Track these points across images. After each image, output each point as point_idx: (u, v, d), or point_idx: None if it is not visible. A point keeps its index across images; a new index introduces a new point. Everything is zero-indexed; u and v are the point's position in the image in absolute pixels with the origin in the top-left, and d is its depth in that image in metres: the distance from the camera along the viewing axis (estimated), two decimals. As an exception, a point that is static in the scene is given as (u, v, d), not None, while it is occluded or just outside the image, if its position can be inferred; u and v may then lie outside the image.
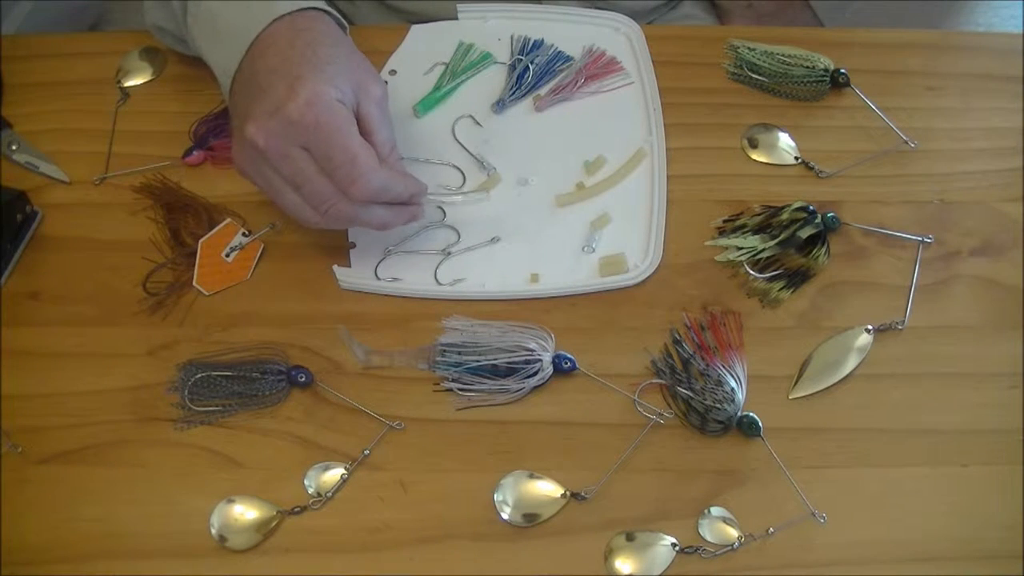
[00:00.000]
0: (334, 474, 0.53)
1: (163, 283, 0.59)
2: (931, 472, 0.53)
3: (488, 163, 0.63)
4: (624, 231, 0.61)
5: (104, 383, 0.56)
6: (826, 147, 0.65)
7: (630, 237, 0.61)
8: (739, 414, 0.54)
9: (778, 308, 0.59)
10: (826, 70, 0.66)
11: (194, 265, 0.59)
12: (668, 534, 0.51)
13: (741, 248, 0.60)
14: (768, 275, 0.59)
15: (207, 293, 0.59)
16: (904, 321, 0.58)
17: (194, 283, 0.59)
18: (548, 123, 0.65)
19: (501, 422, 0.55)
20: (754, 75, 0.67)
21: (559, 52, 0.68)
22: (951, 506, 0.52)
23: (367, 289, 0.59)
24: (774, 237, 0.60)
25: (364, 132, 0.53)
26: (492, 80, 0.67)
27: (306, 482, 0.53)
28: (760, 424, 0.53)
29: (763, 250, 0.59)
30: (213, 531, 0.51)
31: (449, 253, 0.60)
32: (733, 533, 0.51)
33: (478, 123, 0.65)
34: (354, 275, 0.59)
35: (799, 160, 0.64)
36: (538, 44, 0.68)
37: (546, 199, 0.62)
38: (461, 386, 0.55)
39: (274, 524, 0.51)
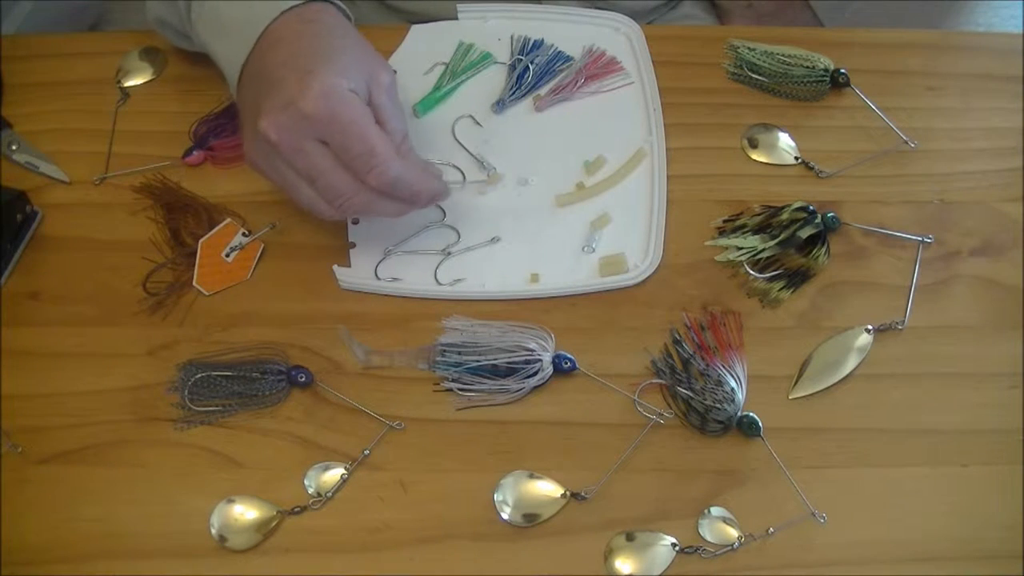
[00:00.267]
0: (334, 474, 0.53)
1: (163, 283, 0.59)
2: (931, 472, 0.53)
3: (488, 163, 0.63)
4: (624, 231, 0.61)
5: (104, 383, 0.56)
6: (826, 147, 0.65)
7: (630, 237, 0.61)
8: (739, 414, 0.54)
9: (778, 308, 0.59)
10: (826, 70, 0.66)
11: (194, 265, 0.59)
12: (668, 534, 0.51)
13: (741, 248, 0.60)
14: (768, 275, 0.59)
15: (207, 293, 0.59)
16: (904, 321, 0.58)
17: (194, 283, 0.59)
18: (548, 123, 0.65)
19: (501, 422, 0.55)
20: (754, 75, 0.67)
21: (559, 52, 0.68)
22: (951, 506, 0.52)
23: (367, 289, 0.59)
24: (774, 237, 0.60)
25: (377, 121, 0.53)
26: (492, 80, 0.67)
27: (306, 482, 0.53)
28: (760, 424, 0.53)
29: (763, 250, 0.59)
30: (213, 531, 0.51)
31: (449, 253, 0.60)
32: (733, 533, 0.51)
33: (478, 123, 0.65)
34: (354, 275, 0.59)
35: (799, 160, 0.64)
36: (538, 44, 0.68)
37: (546, 199, 0.62)
38: (461, 386, 0.55)
39: (274, 524, 0.51)
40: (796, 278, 0.59)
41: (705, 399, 0.54)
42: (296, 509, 0.52)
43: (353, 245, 0.61)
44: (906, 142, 0.64)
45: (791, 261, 0.59)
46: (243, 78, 0.55)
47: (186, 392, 0.55)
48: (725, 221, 0.62)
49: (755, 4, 0.80)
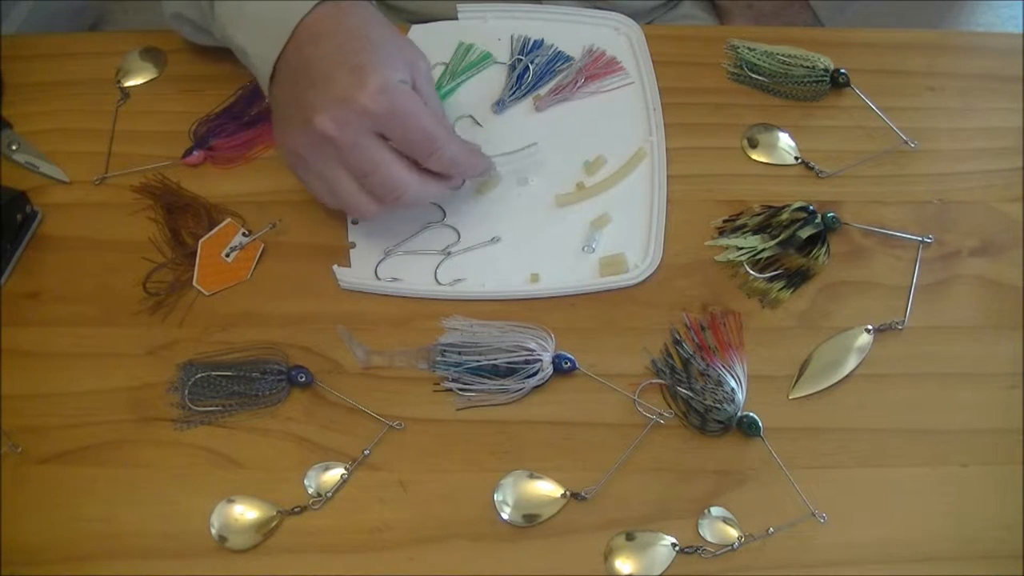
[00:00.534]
0: (334, 474, 0.53)
1: (163, 283, 0.59)
2: (931, 472, 0.53)
3: (488, 163, 0.63)
4: (624, 231, 0.61)
5: (104, 383, 0.56)
6: (826, 147, 0.65)
7: (630, 237, 0.61)
8: (739, 414, 0.54)
9: (778, 308, 0.59)
10: (826, 70, 0.66)
11: (194, 265, 0.59)
12: (668, 534, 0.51)
13: (741, 248, 0.60)
14: (768, 275, 0.59)
15: (207, 293, 0.59)
16: (904, 321, 0.58)
17: (194, 283, 0.59)
18: (548, 123, 0.65)
19: (501, 422, 0.55)
20: (754, 75, 0.67)
21: (559, 52, 0.68)
22: (951, 506, 0.52)
23: (367, 289, 0.59)
24: (774, 237, 0.60)
25: None
26: (492, 80, 0.67)
27: (306, 482, 0.53)
28: (760, 424, 0.53)
29: (763, 250, 0.60)
30: (213, 531, 0.51)
31: (449, 253, 0.60)
32: (733, 533, 0.51)
33: (478, 123, 0.65)
34: (354, 275, 0.59)
35: (799, 160, 0.64)
36: (538, 44, 0.68)
37: (546, 199, 0.62)
38: (461, 386, 0.55)
39: (274, 524, 0.51)
40: (796, 278, 0.59)
41: (705, 399, 0.54)
42: (296, 509, 0.52)
43: (353, 245, 0.61)
44: (906, 142, 0.64)
45: (791, 261, 0.59)
46: (278, 74, 0.55)
47: (186, 392, 0.55)
48: (725, 221, 0.62)
49: (755, 4, 0.80)
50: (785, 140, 0.65)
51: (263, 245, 0.60)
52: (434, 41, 0.68)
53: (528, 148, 0.63)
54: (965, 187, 0.63)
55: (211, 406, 0.55)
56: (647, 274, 0.59)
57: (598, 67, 0.67)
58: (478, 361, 0.55)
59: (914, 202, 0.63)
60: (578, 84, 0.66)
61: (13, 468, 0.53)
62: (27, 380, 0.56)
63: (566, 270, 0.59)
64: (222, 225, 0.61)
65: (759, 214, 0.61)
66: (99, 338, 0.57)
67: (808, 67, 0.66)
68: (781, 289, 0.59)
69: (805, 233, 0.59)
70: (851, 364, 0.56)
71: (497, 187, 0.63)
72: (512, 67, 0.67)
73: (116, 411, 0.55)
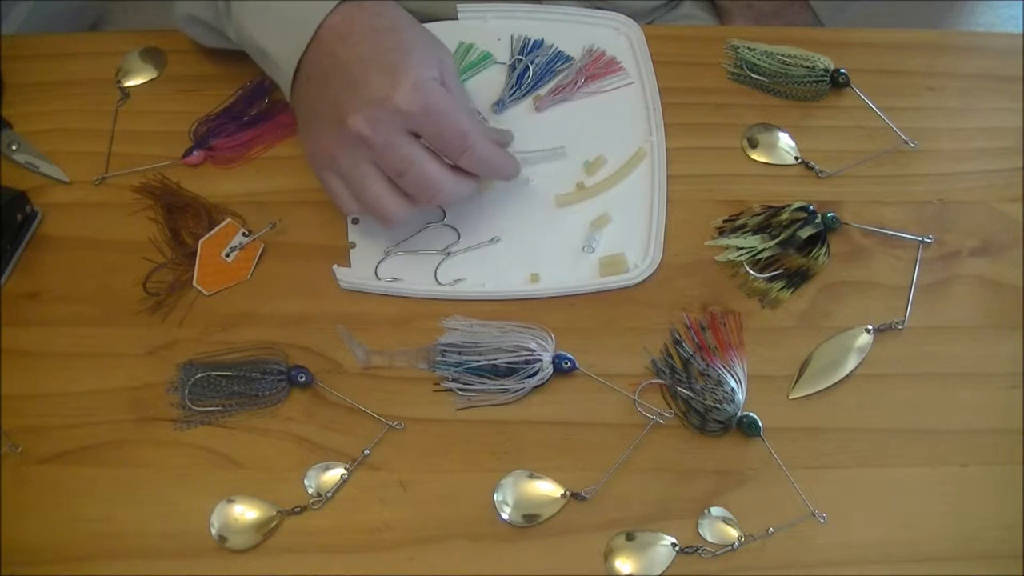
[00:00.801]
0: (334, 474, 0.53)
1: (163, 283, 0.59)
2: (931, 472, 0.53)
3: (488, 163, 0.63)
4: (624, 231, 0.61)
5: (104, 383, 0.56)
6: (826, 147, 0.65)
7: (630, 237, 0.61)
8: (739, 414, 0.54)
9: (778, 308, 0.59)
10: (826, 70, 0.66)
11: (194, 265, 0.59)
12: (668, 534, 0.51)
13: (741, 248, 0.60)
14: (768, 275, 0.59)
15: (207, 293, 0.59)
16: (904, 321, 0.58)
17: (194, 283, 0.59)
18: (548, 123, 0.65)
19: (501, 422, 0.55)
20: (754, 75, 0.67)
21: (559, 52, 0.68)
22: (951, 506, 0.53)
23: (367, 289, 0.59)
24: (774, 237, 0.60)
25: None
26: (492, 80, 0.67)
27: (306, 482, 0.53)
28: (760, 424, 0.53)
29: (763, 250, 0.60)
30: (213, 531, 0.51)
31: (449, 253, 0.60)
32: (733, 533, 0.51)
33: (478, 123, 0.65)
34: (354, 275, 0.59)
35: (799, 160, 0.64)
36: (538, 44, 0.68)
37: (546, 199, 0.62)
38: (461, 386, 0.55)
39: (274, 524, 0.51)
40: (796, 278, 0.59)
41: (705, 399, 0.54)
42: (296, 509, 0.52)
43: (353, 245, 0.61)
44: (906, 142, 0.64)
45: (791, 261, 0.59)
46: (302, 74, 0.55)
47: (186, 392, 0.55)
48: (725, 221, 0.62)
49: (755, 4, 0.80)
50: (785, 140, 0.65)
51: (263, 245, 0.60)
52: (434, 41, 0.69)
53: (556, 149, 0.63)
54: (965, 187, 0.63)
55: (211, 406, 0.55)
56: (647, 274, 0.59)
57: (598, 67, 0.67)
58: (478, 361, 0.55)
59: (914, 202, 0.63)
60: (578, 84, 0.66)
61: (13, 468, 0.53)
62: (27, 380, 0.56)
63: (566, 270, 0.59)
64: (222, 225, 0.61)
65: (759, 214, 0.61)
66: (99, 338, 0.57)
67: (808, 67, 0.66)
68: (781, 289, 0.59)
69: (805, 233, 0.59)
70: (851, 364, 0.56)
71: (497, 187, 0.63)
72: (512, 67, 0.67)
73: (116, 411, 0.55)
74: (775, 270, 0.59)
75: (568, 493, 0.52)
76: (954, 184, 0.64)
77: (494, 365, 0.55)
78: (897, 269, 0.60)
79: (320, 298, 0.59)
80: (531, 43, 0.68)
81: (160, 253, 0.60)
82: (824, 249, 0.59)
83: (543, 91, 0.67)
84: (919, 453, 0.54)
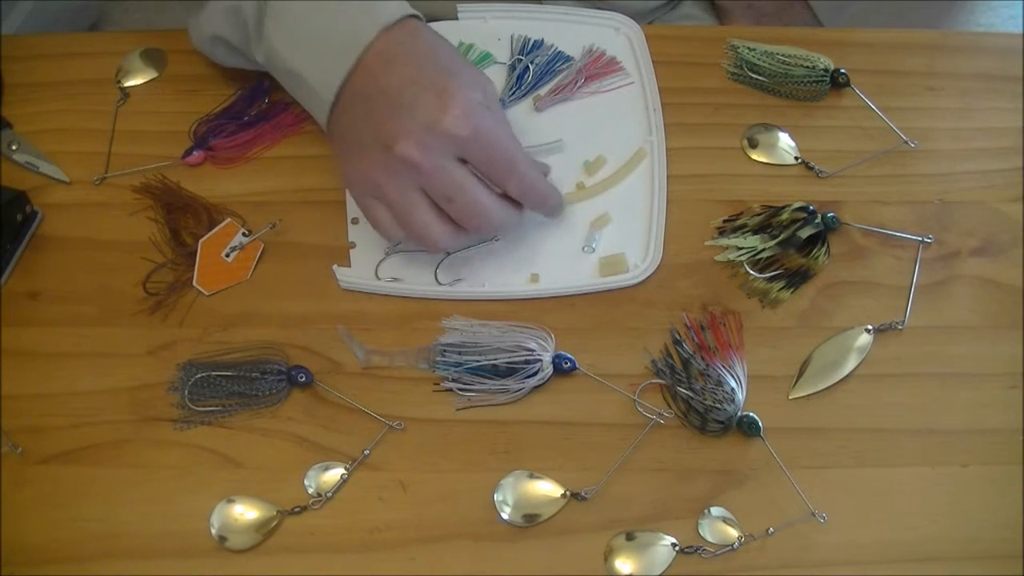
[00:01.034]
0: (334, 474, 0.53)
1: (163, 283, 0.59)
2: (931, 472, 0.53)
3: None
4: (624, 231, 0.61)
5: (104, 383, 0.56)
6: (826, 147, 0.65)
7: (630, 237, 0.61)
8: (739, 414, 0.54)
9: (778, 308, 0.59)
10: (826, 70, 0.66)
11: (194, 265, 0.59)
12: (668, 534, 0.51)
13: (741, 248, 0.60)
14: (768, 275, 0.59)
15: (207, 293, 0.59)
16: (904, 321, 0.58)
17: (194, 283, 0.59)
18: (548, 123, 0.65)
19: (501, 422, 0.55)
20: (754, 75, 0.67)
21: (559, 52, 0.68)
22: (951, 506, 0.53)
23: (367, 289, 0.59)
24: (774, 237, 0.60)
25: None
26: (492, 80, 0.67)
27: (306, 482, 0.53)
28: (760, 424, 0.53)
29: (763, 250, 0.60)
30: (213, 531, 0.51)
31: (449, 253, 0.60)
32: (733, 533, 0.51)
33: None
34: (354, 275, 0.59)
35: (799, 160, 0.64)
36: (538, 44, 0.68)
37: (546, 199, 0.62)
38: (461, 386, 0.55)
39: (274, 524, 0.51)
40: (796, 278, 0.59)
41: (705, 399, 0.54)
42: (296, 509, 0.52)
43: (353, 245, 0.61)
44: (906, 142, 0.65)
45: (791, 261, 0.59)
46: (343, 100, 0.54)
47: (186, 392, 0.55)
48: (725, 221, 0.62)
49: (755, 4, 0.80)
50: (785, 140, 0.65)
51: (263, 245, 0.60)
52: (434, 41, 0.68)
53: (554, 144, 0.63)
54: (965, 187, 0.63)
55: (211, 406, 0.55)
56: (647, 274, 0.59)
57: (598, 67, 0.67)
58: (478, 361, 0.55)
59: (914, 202, 0.63)
60: (578, 84, 0.66)
61: (13, 468, 0.53)
62: (27, 380, 0.56)
63: (566, 270, 0.59)
64: (222, 225, 0.61)
65: (759, 214, 0.61)
66: (99, 338, 0.57)
67: (808, 67, 0.66)
68: (781, 289, 0.59)
69: (805, 233, 0.59)
70: (851, 364, 0.56)
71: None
72: (512, 67, 0.67)
73: (116, 411, 0.55)
74: (775, 270, 0.59)
75: (568, 493, 0.52)
76: (954, 184, 0.64)
77: (494, 365, 0.55)
78: (897, 269, 0.60)
79: (320, 298, 0.59)
80: (531, 43, 0.68)
81: (160, 253, 0.60)
82: (824, 249, 0.59)
83: (543, 91, 0.67)
84: (919, 453, 0.54)
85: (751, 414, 0.54)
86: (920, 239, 0.61)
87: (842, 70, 0.66)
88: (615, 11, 0.70)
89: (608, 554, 0.51)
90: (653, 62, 0.67)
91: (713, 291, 0.59)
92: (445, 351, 0.56)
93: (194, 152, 0.64)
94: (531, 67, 0.67)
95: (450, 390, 0.55)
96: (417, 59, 0.53)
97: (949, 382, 0.56)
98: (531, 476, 0.53)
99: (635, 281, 0.59)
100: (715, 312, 0.58)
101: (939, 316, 0.58)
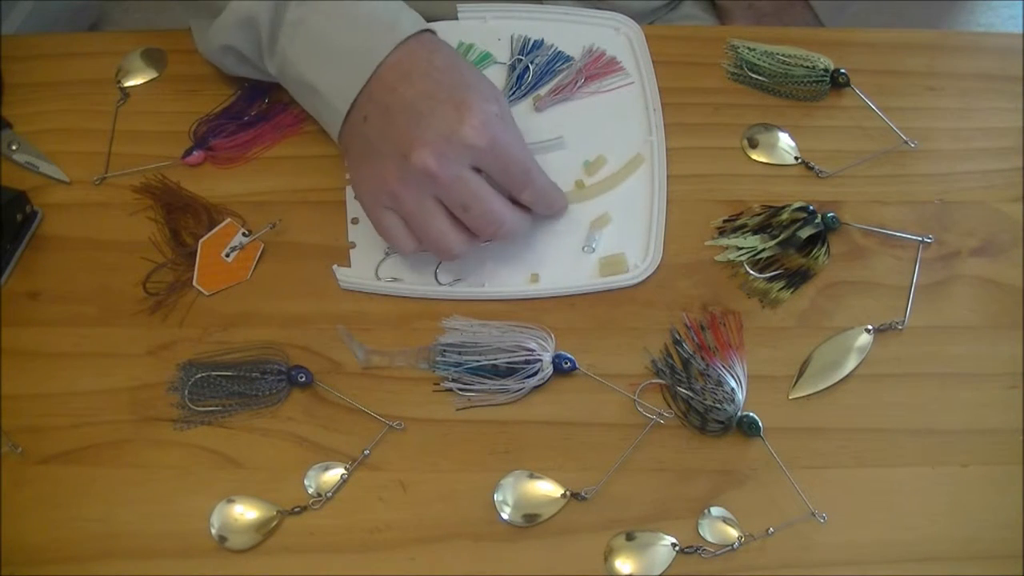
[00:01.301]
0: (334, 474, 0.53)
1: (163, 283, 0.59)
2: (931, 472, 0.53)
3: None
4: (624, 231, 0.61)
5: (104, 383, 0.56)
6: (826, 147, 0.65)
7: (630, 237, 0.61)
8: (739, 414, 0.54)
9: (778, 308, 0.59)
10: (826, 70, 0.66)
11: (194, 265, 0.59)
12: (668, 534, 0.51)
13: (741, 248, 0.60)
14: (768, 275, 0.59)
15: (207, 293, 0.59)
16: (904, 321, 0.58)
17: (194, 283, 0.59)
18: (548, 123, 0.65)
19: (501, 422, 0.55)
20: (754, 75, 0.67)
21: (559, 52, 0.68)
22: (951, 506, 0.53)
23: (367, 289, 0.59)
24: (774, 237, 0.60)
25: None
26: (492, 80, 0.67)
27: (306, 482, 0.53)
28: (760, 424, 0.53)
29: (763, 250, 0.60)
30: (213, 531, 0.51)
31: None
32: (733, 533, 0.51)
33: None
34: (354, 275, 0.59)
35: (799, 160, 0.64)
36: (538, 44, 0.68)
37: (546, 199, 0.62)
38: (461, 386, 0.55)
39: (274, 524, 0.51)
40: (796, 278, 0.59)
41: (705, 399, 0.54)
42: (296, 509, 0.52)
43: (353, 245, 0.61)
44: (906, 142, 0.65)
45: (791, 261, 0.59)
46: (358, 112, 0.54)
47: (186, 392, 0.55)
48: (725, 221, 0.62)
49: (755, 4, 0.80)
50: (785, 140, 0.65)
51: (263, 245, 0.60)
52: (434, 41, 0.68)
53: (554, 140, 0.63)
54: (965, 187, 0.63)
55: (211, 406, 0.55)
56: (647, 274, 0.59)
57: (598, 67, 0.67)
58: (478, 361, 0.55)
59: (914, 202, 0.63)
60: (578, 84, 0.66)
61: (13, 468, 0.53)
62: (27, 380, 0.56)
63: (566, 270, 0.59)
64: (222, 225, 0.61)
65: (759, 214, 0.61)
66: (99, 338, 0.57)
67: (808, 67, 0.66)
68: (781, 289, 0.59)
69: (805, 233, 0.59)
70: (851, 364, 0.56)
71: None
72: (512, 67, 0.67)
73: (116, 411, 0.55)
74: (775, 270, 0.59)
75: (568, 493, 0.52)
76: (954, 184, 0.64)
77: (494, 365, 0.55)
78: (897, 269, 0.60)
79: (320, 298, 0.59)
80: (531, 43, 0.68)
81: (160, 253, 0.60)
82: (824, 249, 0.59)
83: (543, 91, 0.67)
84: (919, 453, 0.54)
85: (751, 414, 0.54)
86: (920, 239, 0.61)
87: (842, 70, 0.66)
88: (615, 11, 0.70)
89: (608, 554, 0.51)
90: (653, 62, 0.67)
91: (713, 291, 0.59)
92: (445, 351, 0.56)
93: (194, 152, 0.64)
94: (531, 67, 0.67)
95: (450, 390, 0.55)
96: (433, 72, 0.54)
97: (949, 382, 0.56)
98: (531, 476, 0.53)
99: (635, 281, 0.59)
100: (715, 312, 0.58)
101: (939, 316, 0.58)
